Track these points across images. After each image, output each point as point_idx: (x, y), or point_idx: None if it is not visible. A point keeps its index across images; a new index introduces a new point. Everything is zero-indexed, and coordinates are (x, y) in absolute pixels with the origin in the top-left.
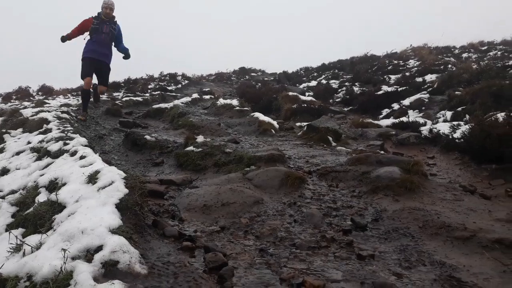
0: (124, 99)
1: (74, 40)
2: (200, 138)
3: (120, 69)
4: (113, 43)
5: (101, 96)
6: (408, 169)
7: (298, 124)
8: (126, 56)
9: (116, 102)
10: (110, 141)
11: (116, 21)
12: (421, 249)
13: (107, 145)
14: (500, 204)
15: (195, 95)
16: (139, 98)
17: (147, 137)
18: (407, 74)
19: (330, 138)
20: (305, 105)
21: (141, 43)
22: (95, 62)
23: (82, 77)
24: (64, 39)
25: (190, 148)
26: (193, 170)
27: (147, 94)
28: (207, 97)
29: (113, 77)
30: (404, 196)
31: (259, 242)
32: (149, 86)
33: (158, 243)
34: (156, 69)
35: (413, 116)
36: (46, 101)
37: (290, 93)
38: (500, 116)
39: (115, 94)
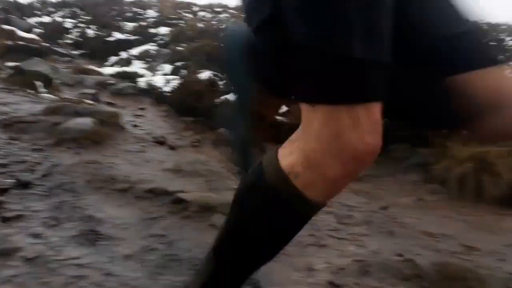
0: None
1: None
2: None
3: None
4: None
5: None
6: (106, 121)
7: (10, 64)
8: None
9: None
10: None
11: None
12: (78, 205)
13: None
14: (181, 154)
15: None
16: None
17: None
18: (144, 23)
19: (38, 84)
20: (23, 42)
21: None
22: None
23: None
24: None
25: None
26: None
27: None
28: None
29: None
30: (88, 149)
31: None
32: None
33: None
34: None
35: (137, 66)
36: None
37: (6, 27)
38: (205, 75)
39: None
